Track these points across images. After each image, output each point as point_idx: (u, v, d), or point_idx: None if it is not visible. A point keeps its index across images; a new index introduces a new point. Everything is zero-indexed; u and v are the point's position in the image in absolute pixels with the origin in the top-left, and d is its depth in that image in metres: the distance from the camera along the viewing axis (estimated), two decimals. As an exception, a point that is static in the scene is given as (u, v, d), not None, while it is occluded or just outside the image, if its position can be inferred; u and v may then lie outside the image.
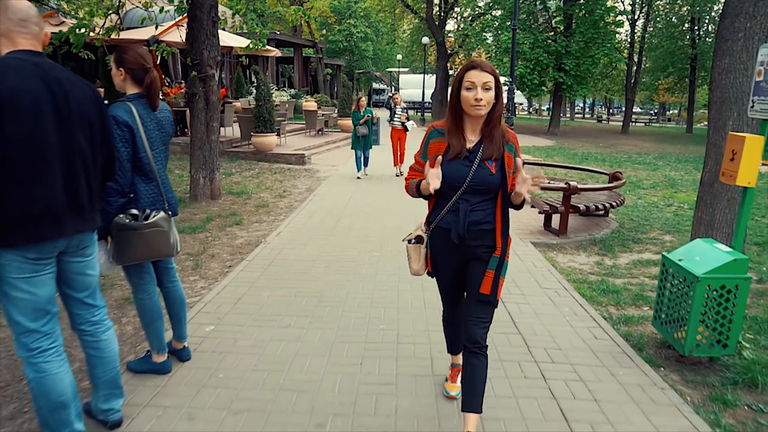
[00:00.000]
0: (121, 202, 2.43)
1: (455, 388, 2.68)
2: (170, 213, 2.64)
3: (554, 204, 6.29)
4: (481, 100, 2.10)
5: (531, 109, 63.31)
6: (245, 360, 3.03)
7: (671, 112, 66.32)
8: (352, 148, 10.20)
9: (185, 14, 7.07)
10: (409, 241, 2.42)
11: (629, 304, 4.21)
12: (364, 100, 10.17)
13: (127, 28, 12.03)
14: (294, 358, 3.08)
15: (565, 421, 2.54)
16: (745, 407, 2.75)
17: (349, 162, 12.02)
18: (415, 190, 2.32)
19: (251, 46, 7.72)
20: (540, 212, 6.44)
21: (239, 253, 5.21)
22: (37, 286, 1.98)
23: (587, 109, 71.25)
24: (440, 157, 2.14)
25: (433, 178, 2.11)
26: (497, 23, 27.00)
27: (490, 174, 2.16)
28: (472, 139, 2.23)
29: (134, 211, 2.46)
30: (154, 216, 2.51)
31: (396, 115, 10.43)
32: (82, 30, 6.09)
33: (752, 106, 3.10)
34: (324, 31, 41.59)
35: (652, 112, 68.74)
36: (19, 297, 1.96)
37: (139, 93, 2.53)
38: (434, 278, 2.48)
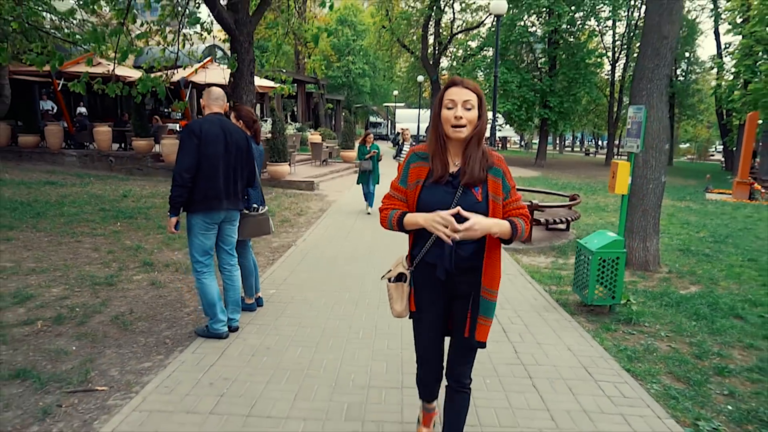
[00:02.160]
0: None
1: None
2: (260, 205, 4.30)
3: (521, 218, 7.95)
4: (462, 118, 1.94)
5: (522, 143, 65.81)
6: (300, 306, 4.63)
7: (665, 146, 68.97)
8: (357, 183, 10.19)
9: (210, 57, 8.84)
10: (389, 280, 2.22)
11: (566, 284, 5.82)
12: (372, 135, 10.21)
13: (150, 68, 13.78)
14: (334, 306, 4.68)
15: (504, 334, 4.14)
16: (620, 331, 4.36)
17: (353, 188, 13.71)
18: (395, 223, 2.08)
19: (279, 88, 9.49)
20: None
21: (277, 252, 6.82)
22: (207, 238, 3.63)
23: (577, 143, 73.87)
24: (458, 209, 1.94)
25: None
26: (488, 61, 29.23)
27: (476, 201, 1.98)
28: (456, 162, 2.05)
29: (255, 205, 4.12)
30: (262, 209, 4.17)
31: (404, 152, 10.43)
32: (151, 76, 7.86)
33: (625, 144, 4.79)
34: (323, 68, 44.00)
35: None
36: (197, 242, 3.61)
37: (251, 135, 4.21)
38: (415, 320, 2.26)
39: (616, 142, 34.22)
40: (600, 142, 72.00)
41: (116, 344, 3.73)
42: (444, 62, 38.84)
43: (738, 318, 4.79)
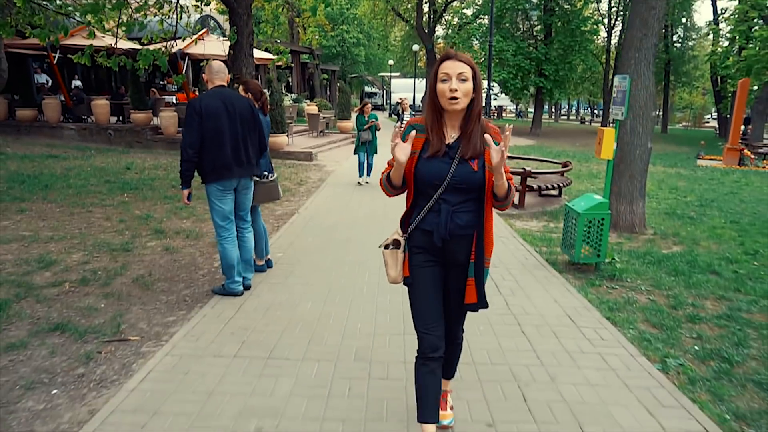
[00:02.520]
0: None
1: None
2: (269, 173, 4.59)
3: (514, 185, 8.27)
4: (457, 91, 1.98)
5: (518, 112, 65.62)
6: (307, 267, 4.96)
7: (653, 113, 69.01)
8: (354, 153, 10.24)
9: (206, 29, 8.95)
10: (386, 247, 2.27)
11: (556, 245, 6.16)
12: (370, 105, 10.01)
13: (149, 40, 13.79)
14: (338, 267, 5.01)
15: (497, 289, 4.50)
16: (604, 286, 4.72)
17: (350, 158, 13.94)
18: (386, 181, 2.18)
19: (277, 59, 9.64)
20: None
21: (281, 219, 7.12)
22: (224, 203, 3.93)
23: (573, 111, 73.71)
24: (414, 132, 2.10)
25: (400, 152, 2.03)
26: (484, 29, 29.07)
27: (472, 171, 2.04)
28: (452, 135, 2.10)
29: (265, 173, 4.41)
30: (272, 177, 4.46)
31: (404, 122, 10.37)
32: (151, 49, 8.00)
33: (611, 112, 5.06)
34: (317, 37, 43.51)
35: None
36: (215, 209, 3.91)
37: (259, 107, 4.45)
38: (409, 286, 2.27)
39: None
40: (595, 110, 71.99)
41: (141, 302, 4.07)
42: (439, 31, 38.57)
43: (714, 273, 5.16)
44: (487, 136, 1.95)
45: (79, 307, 3.90)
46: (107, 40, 12.73)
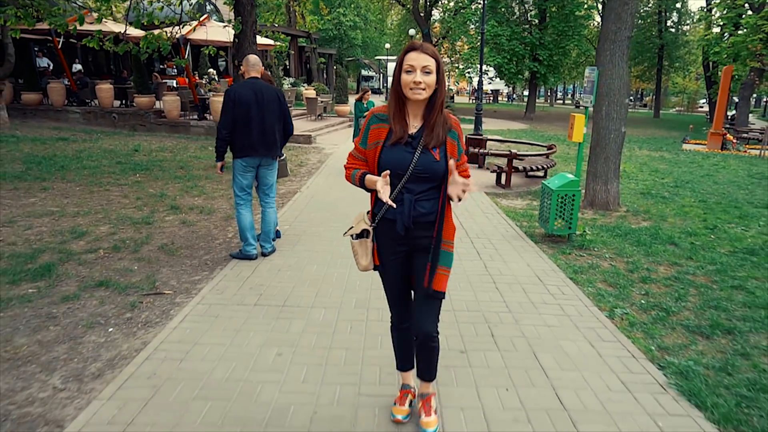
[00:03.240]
0: None
1: (403, 412, 2.53)
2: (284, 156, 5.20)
3: (501, 166, 8.89)
4: (420, 83, 2.03)
5: (514, 95, 65.97)
6: (311, 237, 5.59)
7: (649, 97, 69.55)
8: (353, 139, 10.18)
9: (207, 14, 9.44)
10: (353, 236, 2.33)
11: (535, 220, 6.80)
12: (369, 92, 10.14)
13: (148, 25, 14.15)
14: (339, 237, 5.63)
15: (478, 255, 5.14)
16: (573, 254, 5.37)
17: (348, 142, 14.48)
18: (358, 181, 2.25)
19: (279, 47, 10.15)
20: (491, 171, 9.05)
21: (285, 197, 7.72)
22: (244, 178, 4.56)
23: (568, 96, 74.04)
24: (387, 172, 2.09)
25: (385, 192, 2.07)
26: (479, 14, 29.38)
27: (434, 161, 2.11)
28: (414, 124, 2.16)
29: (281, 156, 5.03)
30: (282, 156, 5.07)
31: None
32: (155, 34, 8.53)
33: (581, 99, 5.66)
34: (313, 18, 43.61)
35: (631, 98, 71.86)
36: (236, 180, 4.55)
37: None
38: (381, 273, 2.41)
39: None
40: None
41: (168, 265, 4.69)
42: (436, 14, 38.79)
43: (672, 244, 5.81)
44: (452, 162, 2.05)
45: (116, 268, 4.52)
46: (110, 26, 13.20)
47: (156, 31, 9.37)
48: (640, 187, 9.37)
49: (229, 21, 9.82)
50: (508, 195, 8.56)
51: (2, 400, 2.61)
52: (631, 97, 70.83)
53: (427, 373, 2.47)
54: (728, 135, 16.99)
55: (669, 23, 37.80)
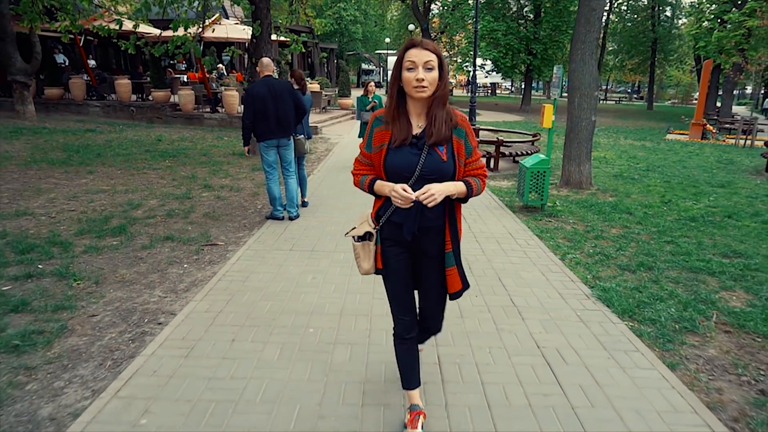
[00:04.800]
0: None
1: None
2: (306, 136, 6.34)
3: (490, 152, 10.03)
4: (423, 80, 1.97)
5: (513, 88, 67.06)
6: (328, 207, 6.74)
7: (646, 90, 70.61)
8: (359, 137, 10.56)
9: (217, 14, 10.52)
10: (355, 239, 2.27)
11: (516, 197, 7.94)
12: (373, 85, 10.16)
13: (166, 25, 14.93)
14: (351, 207, 6.78)
15: (463, 219, 6.29)
16: (543, 220, 6.52)
17: (352, 132, 15.61)
18: (366, 187, 2.19)
19: (293, 48, 11.27)
20: (481, 156, 10.19)
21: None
22: (268, 155, 5.73)
23: (565, 87, 75.00)
24: (405, 186, 2.02)
25: (407, 201, 2.01)
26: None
27: (441, 161, 2.05)
28: (419, 124, 2.11)
29: (297, 134, 6.17)
30: (299, 136, 6.22)
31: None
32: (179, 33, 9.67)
33: (551, 92, 6.78)
34: (323, 25, 44.53)
35: (628, 90, 72.87)
36: (263, 158, 5.73)
37: (299, 88, 6.17)
38: (384, 277, 2.32)
39: (604, 87, 35.76)
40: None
41: (214, 226, 5.84)
42: (435, 9, 39.76)
43: (628, 213, 6.96)
44: (445, 189, 2.02)
45: (175, 228, 5.68)
46: (128, 25, 14.30)
47: (180, 32, 10.46)
48: (615, 171, 10.52)
49: (242, 20, 10.92)
50: (496, 177, 9.70)
51: (127, 302, 3.79)
52: (629, 90, 72.02)
53: (416, 378, 2.46)
54: (708, 125, 18.09)
55: (662, 17, 38.80)
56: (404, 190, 1.99)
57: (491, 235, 5.71)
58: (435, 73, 2.01)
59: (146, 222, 5.89)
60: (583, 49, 8.02)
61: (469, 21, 31.12)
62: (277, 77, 5.80)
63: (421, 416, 2.40)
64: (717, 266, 4.80)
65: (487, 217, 6.54)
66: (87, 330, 3.34)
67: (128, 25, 11.74)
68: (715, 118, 21.30)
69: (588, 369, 3.01)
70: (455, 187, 2.06)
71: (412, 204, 2.01)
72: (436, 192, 1.96)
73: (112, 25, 11.05)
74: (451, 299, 2.32)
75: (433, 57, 1.99)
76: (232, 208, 6.68)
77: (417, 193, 1.97)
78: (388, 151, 2.10)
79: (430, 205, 1.98)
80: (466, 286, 2.27)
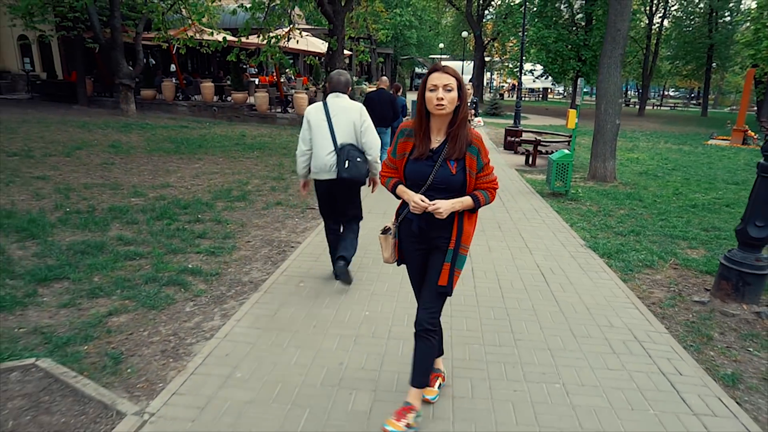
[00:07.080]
0: None
1: (432, 393, 2.75)
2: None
3: (529, 150, 11.59)
4: (443, 99, 2.25)
5: (565, 93, 67.19)
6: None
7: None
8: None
9: (292, 25, 12.50)
10: (382, 232, 2.67)
11: (546, 186, 9.48)
12: (398, 84, 10.35)
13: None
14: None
15: (502, 202, 7.94)
16: (565, 203, 8.07)
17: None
18: (390, 189, 2.54)
19: (360, 57, 13.19)
20: (521, 154, 11.77)
21: (366, 168, 10.72)
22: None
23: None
24: (421, 196, 2.36)
25: (420, 209, 2.36)
26: (529, 17, 31.56)
27: (451, 174, 2.34)
28: (438, 139, 2.40)
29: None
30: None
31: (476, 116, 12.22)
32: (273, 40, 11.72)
33: (575, 99, 8.32)
34: (382, 31, 46.55)
35: (687, 96, 71.39)
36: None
37: (395, 92, 8.06)
38: (406, 267, 2.68)
39: (659, 93, 35.42)
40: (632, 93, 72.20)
41: (311, 196, 7.74)
42: (488, 16, 41.05)
43: (639, 200, 8.39)
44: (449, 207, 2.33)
45: (280, 198, 7.61)
46: (214, 35, 16.65)
47: (272, 41, 12.52)
48: (642, 169, 11.81)
49: (325, 35, 12.93)
50: (533, 171, 11.25)
51: (267, 237, 5.71)
52: (687, 96, 70.57)
53: (418, 377, 2.54)
54: (749, 131, 18.75)
55: (721, 22, 38.52)
56: (422, 201, 2.35)
57: (520, 209, 7.36)
58: (453, 94, 2.30)
59: (258, 193, 7.86)
60: (609, 63, 9.49)
61: (522, 28, 32.27)
62: (384, 88, 7.80)
63: (440, 378, 2.88)
64: (693, 235, 6.28)
65: (519, 198, 8.17)
66: (249, 248, 5.27)
67: (215, 35, 14.03)
68: (763, 122, 21.71)
69: (567, 277, 4.72)
70: (461, 204, 2.38)
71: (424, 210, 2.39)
72: (442, 209, 2.32)
73: (205, 36, 13.33)
74: (438, 290, 2.48)
75: (452, 80, 2.29)
76: (317, 187, 8.57)
77: (428, 204, 2.33)
78: (408, 161, 2.44)
79: (436, 217, 2.36)
80: (448, 289, 2.45)
